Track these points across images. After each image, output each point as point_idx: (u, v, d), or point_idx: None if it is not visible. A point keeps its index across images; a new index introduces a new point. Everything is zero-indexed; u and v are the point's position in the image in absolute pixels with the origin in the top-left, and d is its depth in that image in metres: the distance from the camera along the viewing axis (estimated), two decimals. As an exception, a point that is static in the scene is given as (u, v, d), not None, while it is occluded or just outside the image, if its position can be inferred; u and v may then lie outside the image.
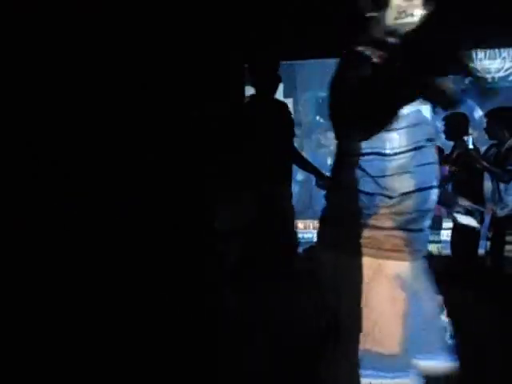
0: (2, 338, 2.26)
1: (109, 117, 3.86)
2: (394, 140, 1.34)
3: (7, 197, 3.10)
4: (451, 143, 3.62)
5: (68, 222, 3.32)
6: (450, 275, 3.06)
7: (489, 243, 3.20)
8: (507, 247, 3.01)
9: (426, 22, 1.46)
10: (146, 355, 2.20)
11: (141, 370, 2.10)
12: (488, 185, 3.24)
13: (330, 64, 5.53)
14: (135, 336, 2.39)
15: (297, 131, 4.75)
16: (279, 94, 4.74)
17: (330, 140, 4.58)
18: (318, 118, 4.67)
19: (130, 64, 4.02)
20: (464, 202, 3.13)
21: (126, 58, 3.99)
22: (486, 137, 3.36)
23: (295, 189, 4.67)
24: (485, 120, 3.31)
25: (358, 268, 1.35)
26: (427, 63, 1.23)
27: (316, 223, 5.63)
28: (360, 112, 1.25)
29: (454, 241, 3.51)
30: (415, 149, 1.35)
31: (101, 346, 2.27)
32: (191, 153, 4.00)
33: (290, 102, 4.64)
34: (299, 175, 4.63)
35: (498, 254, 3.07)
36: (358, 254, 1.36)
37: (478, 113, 4.18)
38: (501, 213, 3.09)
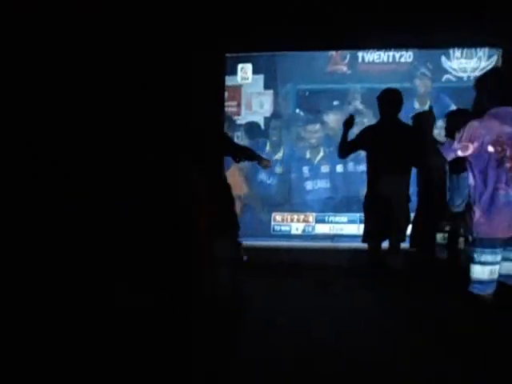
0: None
1: (99, 116, 3.82)
2: None
3: (5, 196, 3.05)
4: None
5: (66, 221, 3.29)
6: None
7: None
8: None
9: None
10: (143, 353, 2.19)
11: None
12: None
13: (312, 56, 5.53)
14: (131, 333, 2.38)
15: (276, 123, 4.79)
16: (259, 86, 4.76)
17: (309, 133, 4.60)
18: (298, 110, 4.67)
19: (114, 60, 3.96)
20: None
21: (111, 54, 3.93)
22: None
23: (273, 181, 4.70)
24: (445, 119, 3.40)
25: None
26: None
27: (293, 216, 5.66)
28: None
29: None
30: None
31: (99, 343, 2.26)
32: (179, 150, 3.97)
33: (270, 93, 4.64)
34: (277, 168, 4.64)
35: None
36: None
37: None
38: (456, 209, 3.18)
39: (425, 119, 3.38)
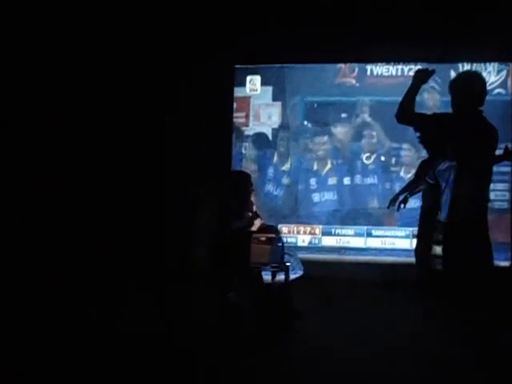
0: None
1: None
2: None
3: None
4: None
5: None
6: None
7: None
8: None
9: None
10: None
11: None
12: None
13: (321, 69, 5.52)
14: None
15: (284, 135, 4.80)
16: (268, 98, 4.78)
17: (317, 145, 4.61)
18: (306, 122, 4.68)
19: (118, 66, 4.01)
20: None
21: (113, 60, 3.99)
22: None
23: (280, 192, 4.70)
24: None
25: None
26: None
27: (300, 228, 5.60)
28: None
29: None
30: None
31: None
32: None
33: (278, 105, 4.66)
34: (285, 179, 4.64)
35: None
36: None
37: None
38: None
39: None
